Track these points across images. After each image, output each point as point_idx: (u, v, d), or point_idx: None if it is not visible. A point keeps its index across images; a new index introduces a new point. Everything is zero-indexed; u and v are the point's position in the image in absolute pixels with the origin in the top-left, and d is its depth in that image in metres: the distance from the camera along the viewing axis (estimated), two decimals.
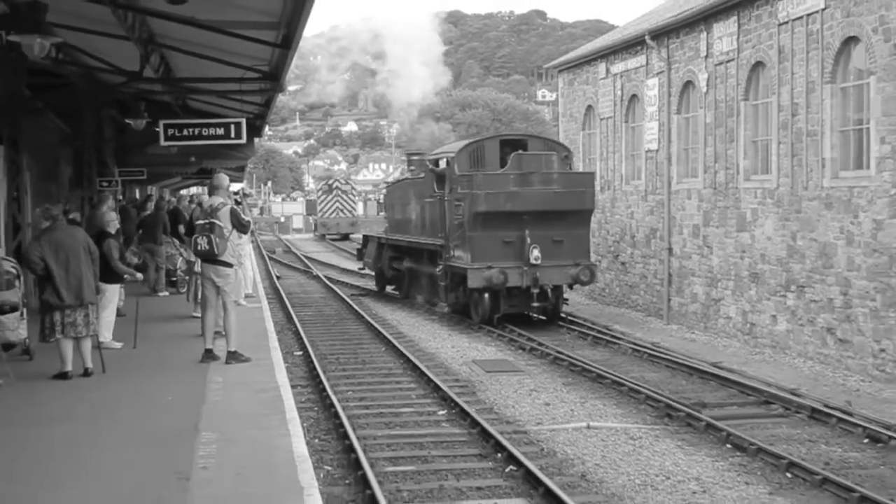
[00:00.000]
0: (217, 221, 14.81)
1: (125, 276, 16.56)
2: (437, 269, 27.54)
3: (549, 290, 25.20)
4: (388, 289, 35.55)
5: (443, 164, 27.05)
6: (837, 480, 13.04)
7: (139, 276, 17.51)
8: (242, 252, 15.90)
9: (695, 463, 14.19)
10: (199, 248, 14.97)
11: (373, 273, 38.32)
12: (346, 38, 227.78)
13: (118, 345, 16.12)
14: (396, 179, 35.96)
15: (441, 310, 28.35)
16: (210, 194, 16.16)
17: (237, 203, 16.05)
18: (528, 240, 24.27)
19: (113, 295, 16.28)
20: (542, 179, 25.04)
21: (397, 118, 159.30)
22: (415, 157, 35.53)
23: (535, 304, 24.84)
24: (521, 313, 26.40)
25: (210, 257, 14.89)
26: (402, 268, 32.75)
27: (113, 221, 17.17)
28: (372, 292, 37.69)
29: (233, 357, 14.80)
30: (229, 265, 15.16)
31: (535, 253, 23.92)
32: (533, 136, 29.83)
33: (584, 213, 26.13)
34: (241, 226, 15.29)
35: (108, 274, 15.48)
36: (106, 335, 15.67)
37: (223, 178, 16.08)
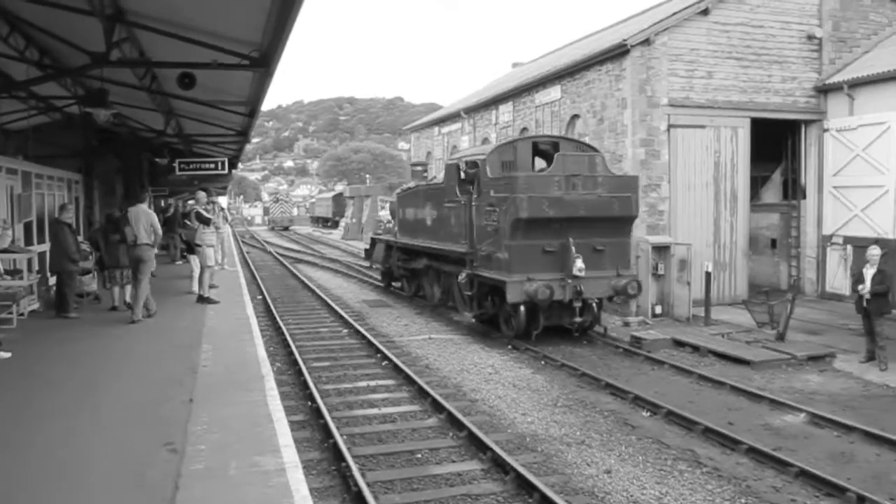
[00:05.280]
0: (187, 221, 15.99)
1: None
2: (461, 278, 16.45)
3: (593, 304, 15.14)
4: (394, 285, 23.81)
5: (463, 166, 16.75)
6: (570, 364, 13.43)
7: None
8: (212, 237, 15.57)
9: (490, 357, 14.35)
10: (181, 235, 15.85)
11: (377, 267, 25.21)
12: (290, 111, 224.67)
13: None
14: (407, 187, 22.71)
15: (464, 320, 17.56)
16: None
17: (205, 210, 15.74)
18: (573, 249, 14.49)
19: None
20: (586, 183, 14.85)
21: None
22: (418, 168, 25.45)
23: (578, 319, 14.92)
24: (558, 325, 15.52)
25: (188, 240, 15.84)
26: (412, 269, 21.01)
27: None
28: (304, 261, 36.88)
29: (204, 300, 14.59)
30: (198, 245, 15.19)
31: (579, 263, 14.36)
32: (564, 138, 17.98)
33: (629, 219, 15.65)
34: (203, 220, 15.33)
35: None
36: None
37: (200, 194, 16.63)
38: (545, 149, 16.73)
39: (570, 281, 14.54)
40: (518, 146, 16.73)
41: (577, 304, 14.76)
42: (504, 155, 16.42)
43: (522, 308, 14.69)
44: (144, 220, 12.80)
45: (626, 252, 15.75)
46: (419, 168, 25.54)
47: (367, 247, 26.85)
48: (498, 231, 15.00)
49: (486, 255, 15.48)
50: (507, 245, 14.68)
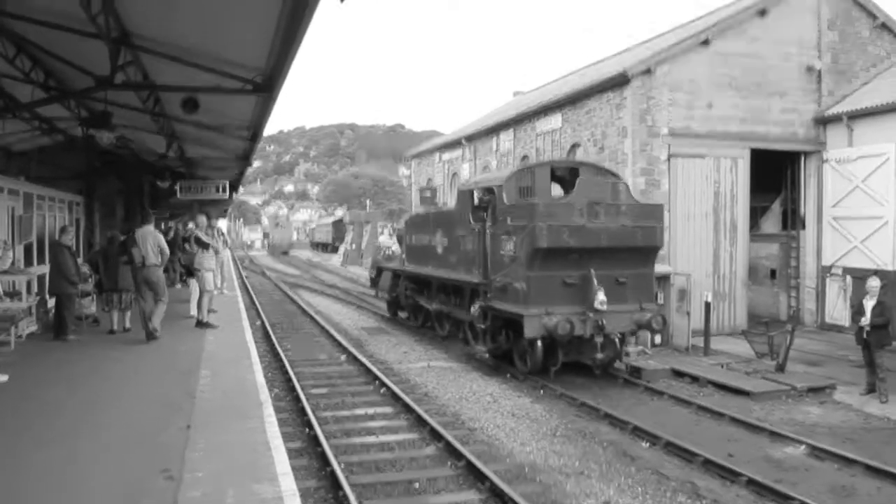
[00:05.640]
0: (186, 245, 15.84)
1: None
2: (474, 310, 15.49)
3: (615, 339, 14.00)
4: (401, 315, 22.48)
5: (478, 192, 15.91)
6: (569, 394, 13.37)
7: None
8: (211, 262, 15.50)
9: (489, 386, 14.27)
10: (180, 259, 16.33)
11: (384, 297, 23.47)
12: (291, 136, 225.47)
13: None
14: (416, 213, 21.46)
15: (477, 354, 16.37)
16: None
17: (204, 234, 15.71)
18: (595, 281, 13.37)
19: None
20: (609, 211, 13.73)
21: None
22: (427, 194, 23.78)
23: (600, 356, 13.80)
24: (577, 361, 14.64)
25: (187, 264, 15.81)
26: (421, 301, 19.80)
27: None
28: (303, 286, 36.81)
29: (202, 325, 14.51)
30: (197, 269, 15.07)
31: (601, 296, 13.25)
32: (585, 164, 16.57)
33: (653, 250, 14.53)
34: (202, 244, 15.21)
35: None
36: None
37: (200, 218, 16.36)
38: (562, 175, 15.85)
39: (591, 315, 13.46)
40: (536, 172, 15.47)
41: (599, 340, 13.65)
42: (521, 181, 15.24)
43: (539, 343, 13.74)
44: (151, 240, 13.07)
45: (649, 284, 14.68)
46: (428, 194, 23.92)
47: (373, 275, 25.29)
48: (515, 261, 13.95)
49: (501, 287, 14.43)
50: (525, 276, 13.58)
